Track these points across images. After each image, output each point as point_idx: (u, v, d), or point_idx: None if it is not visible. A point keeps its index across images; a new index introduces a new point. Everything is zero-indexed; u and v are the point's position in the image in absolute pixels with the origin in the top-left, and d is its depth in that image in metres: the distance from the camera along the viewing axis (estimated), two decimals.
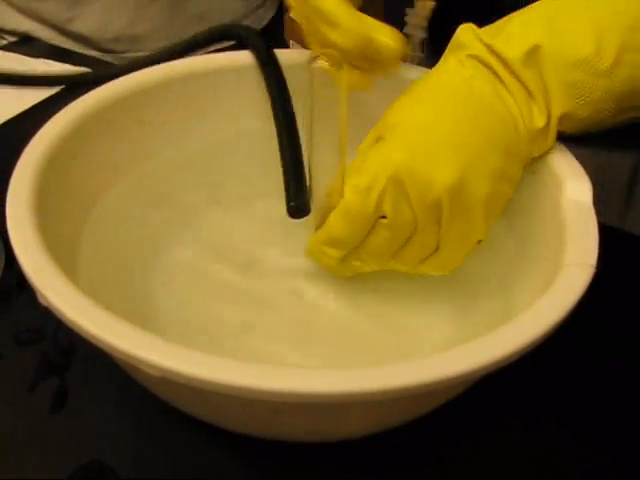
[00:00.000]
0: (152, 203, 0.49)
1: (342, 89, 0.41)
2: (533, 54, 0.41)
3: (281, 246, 0.49)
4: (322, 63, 0.41)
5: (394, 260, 0.43)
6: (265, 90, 0.50)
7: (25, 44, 0.88)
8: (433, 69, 0.43)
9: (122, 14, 0.84)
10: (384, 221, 0.40)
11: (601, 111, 0.42)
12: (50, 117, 0.44)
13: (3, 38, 0.89)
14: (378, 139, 0.41)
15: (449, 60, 0.43)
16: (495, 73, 0.42)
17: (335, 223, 0.41)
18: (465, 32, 0.43)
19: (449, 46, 0.44)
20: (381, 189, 0.39)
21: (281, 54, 0.51)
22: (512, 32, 0.42)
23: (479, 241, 0.42)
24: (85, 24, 0.85)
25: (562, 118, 0.42)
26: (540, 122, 0.42)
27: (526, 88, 0.41)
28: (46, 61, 0.81)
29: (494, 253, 0.45)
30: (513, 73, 0.41)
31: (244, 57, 0.52)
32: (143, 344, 0.29)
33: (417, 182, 0.39)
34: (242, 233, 0.50)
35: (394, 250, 0.42)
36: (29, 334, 0.47)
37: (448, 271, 0.43)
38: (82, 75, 0.75)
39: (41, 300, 0.32)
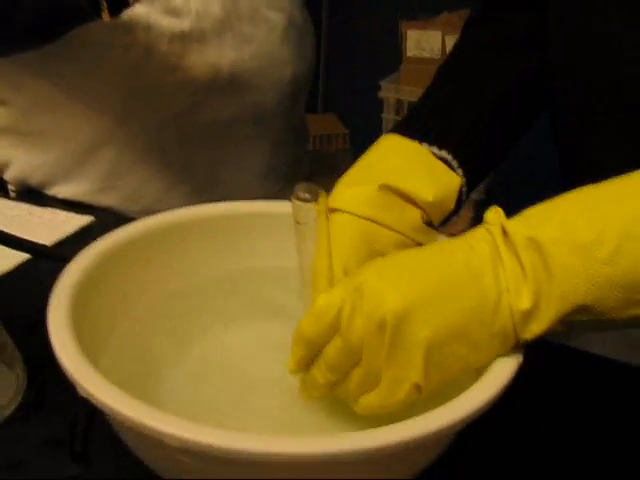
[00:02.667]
0: (158, 328, 0.58)
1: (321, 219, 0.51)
2: (536, 238, 0.45)
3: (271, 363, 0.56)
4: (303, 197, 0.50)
5: (341, 389, 0.48)
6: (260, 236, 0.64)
7: (32, 193, 0.99)
8: None
9: (152, 190, 0.95)
10: (339, 331, 0.46)
11: (605, 300, 0.44)
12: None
13: (13, 191, 1.00)
14: None
15: (470, 232, 0.49)
16: (498, 247, 0.46)
17: (305, 322, 0.48)
18: (490, 213, 0.49)
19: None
20: (345, 296, 0.46)
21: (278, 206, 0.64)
22: (527, 215, 0.47)
23: (418, 388, 0.45)
24: (114, 197, 0.95)
25: (563, 302, 0.44)
26: (525, 304, 0.44)
27: (523, 269, 0.45)
28: (53, 210, 0.92)
29: None
30: (515, 252, 0.45)
31: (245, 207, 0.65)
32: (162, 419, 0.38)
33: (372, 298, 0.44)
34: (238, 351, 0.58)
35: (345, 368, 0.47)
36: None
37: (386, 410, 0.46)
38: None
39: (81, 392, 0.41)
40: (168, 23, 0.85)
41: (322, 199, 0.51)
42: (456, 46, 0.72)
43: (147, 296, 0.59)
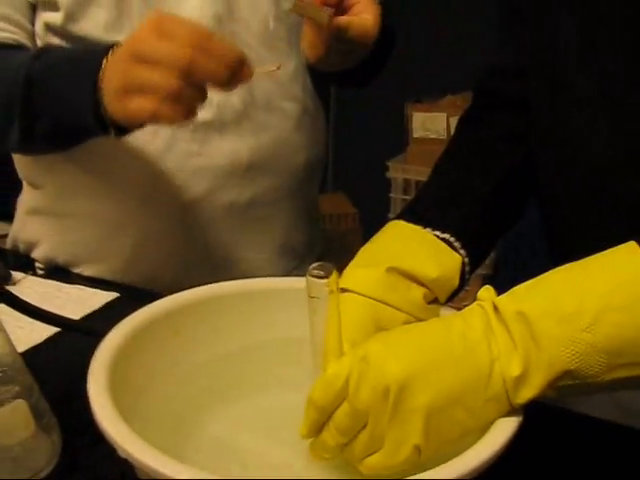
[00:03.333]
0: (184, 394, 0.63)
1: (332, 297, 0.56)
2: (524, 311, 0.49)
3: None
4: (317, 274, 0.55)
5: (348, 451, 0.52)
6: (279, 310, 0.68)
7: (59, 271, 1.04)
8: None
9: (173, 268, 1.00)
10: (347, 398, 0.51)
11: (589, 366, 0.48)
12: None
13: (40, 269, 1.05)
14: None
15: (465, 309, 0.54)
16: (490, 321, 0.51)
17: (316, 389, 0.52)
18: (483, 291, 0.55)
19: None
20: (352, 366, 0.50)
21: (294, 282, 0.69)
22: (515, 292, 0.52)
23: (418, 449, 0.49)
24: (137, 275, 1.00)
25: (550, 368, 0.48)
26: (516, 371, 0.49)
27: (512, 340, 0.50)
28: (80, 287, 0.97)
29: None
30: (505, 325, 0.50)
31: (264, 283, 0.70)
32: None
33: (377, 367, 0.50)
34: (258, 417, 0.63)
35: (353, 431, 0.51)
36: None
37: (388, 472, 0.50)
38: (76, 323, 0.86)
39: (121, 454, 0.46)
40: None
41: (334, 277, 0.56)
42: (452, 141, 0.80)
43: (175, 365, 0.64)
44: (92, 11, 0.88)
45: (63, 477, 0.61)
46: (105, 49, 0.72)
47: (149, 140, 0.92)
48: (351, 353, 0.53)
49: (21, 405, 0.58)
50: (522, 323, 0.50)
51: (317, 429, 0.54)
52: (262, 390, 0.65)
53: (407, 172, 2.42)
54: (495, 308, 0.52)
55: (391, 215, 2.41)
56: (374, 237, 0.66)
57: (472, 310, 0.53)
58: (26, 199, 1.05)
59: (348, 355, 0.53)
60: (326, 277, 0.55)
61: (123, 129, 0.77)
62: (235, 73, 0.66)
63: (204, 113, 0.92)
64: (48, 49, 0.84)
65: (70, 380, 0.72)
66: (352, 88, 1.10)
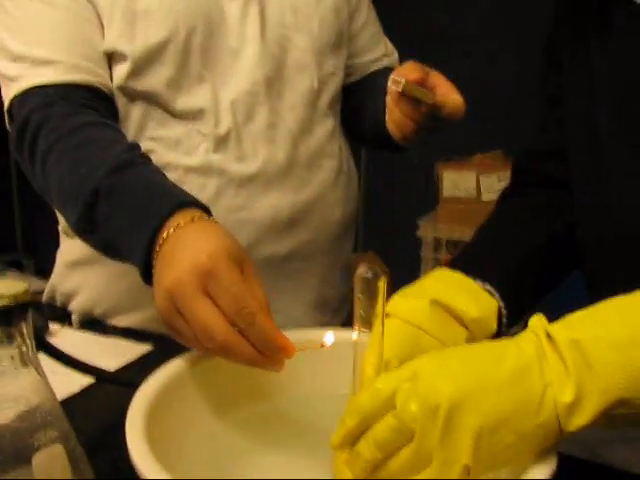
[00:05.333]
0: (216, 446, 0.64)
1: (381, 294, 0.54)
2: (577, 338, 0.50)
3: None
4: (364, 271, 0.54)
5: (385, 470, 0.51)
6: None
7: (93, 323, 1.05)
8: None
9: None
10: (393, 411, 0.50)
11: None
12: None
13: (76, 321, 1.07)
14: None
15: (517, 335, 0.54)
16: (543, 347, 0.51)
17: (362, 396, 0.52)
18: (534, 318, 0.55)
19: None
20: (401, 380, 0.51)
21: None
22: (568, 320, 0.53)
23: (468, 470, 0.49)
24: None
25: (605, 395, 0.48)
26: (569, 397, 0.49)
27: (566, 366, 0.50)
28: (115, 339, 0.98)
29: None
30: (558, 352, 0.51)
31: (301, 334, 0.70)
32: None
33: (428, 384, 0.50)
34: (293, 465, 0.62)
35: (393, 447, 0.50)
36: None
37: None
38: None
39: None
40: (237, 168, 0.95)
41: (383, 280, 0.54)
42: (493, 213, 0.85)
43: (210, 416, 0.65)
44: (156, 68, 0.91)
45: None
46: (171, 209, 0.70)
47: (195, 194, 0.94)
48: (399, 368, 0.53)
49: (58, 450, 0.59)
50: (576, 350, 0.50)
51: (350, 440, 0.53)
52: (296, 446, 0.65)
53: (437, 231, 2.43)
54: (548, 336, 0.52)
55: (422, 274, 2.41)
56: (418, 279, 0.68)
57: (525, 336, 0.54)
58: (66, 251, 1.07)
59: (395, 370, 0.53)
60: (376, 278, 0.53)
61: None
62: (272, 355, 0.62)
63: (250, 166, 0.95)
64: (123, 168, 0.78)
65: (106, 430, 0.73)
66: (391, 152, 1.12)
